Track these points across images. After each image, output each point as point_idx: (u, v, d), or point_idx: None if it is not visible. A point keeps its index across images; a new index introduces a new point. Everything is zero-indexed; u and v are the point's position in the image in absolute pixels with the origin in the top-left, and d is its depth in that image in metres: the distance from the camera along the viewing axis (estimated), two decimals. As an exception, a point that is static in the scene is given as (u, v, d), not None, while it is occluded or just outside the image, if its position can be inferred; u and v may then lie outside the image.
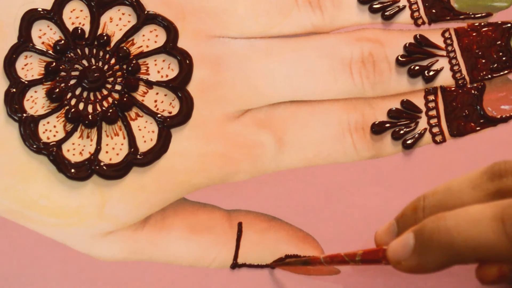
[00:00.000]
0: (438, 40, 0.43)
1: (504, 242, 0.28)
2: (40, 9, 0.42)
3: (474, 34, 0.43)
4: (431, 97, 0.42)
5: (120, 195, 0.39)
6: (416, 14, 0.43)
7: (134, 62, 0.42)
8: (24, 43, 0.42)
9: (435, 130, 0.41)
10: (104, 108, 0.41)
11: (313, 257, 0.36)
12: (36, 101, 0.41)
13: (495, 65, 0.42)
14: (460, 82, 0.42)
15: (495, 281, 0.29)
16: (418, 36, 0.42)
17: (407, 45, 0.42)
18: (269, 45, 0.42)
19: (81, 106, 0.41)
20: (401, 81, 0.42)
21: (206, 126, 0.41)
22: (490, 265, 0.29)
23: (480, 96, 0.42)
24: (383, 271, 0.38)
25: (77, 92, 0.41)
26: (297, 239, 0.39)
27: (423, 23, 0.43)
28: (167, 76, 0.42)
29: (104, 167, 0.40)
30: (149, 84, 0.42)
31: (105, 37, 0.42)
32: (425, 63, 0.42)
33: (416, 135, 0.41)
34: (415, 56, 0.42)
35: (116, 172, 0.40)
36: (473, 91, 0.42)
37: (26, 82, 0.41)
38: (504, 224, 0.28)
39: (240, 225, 0.39)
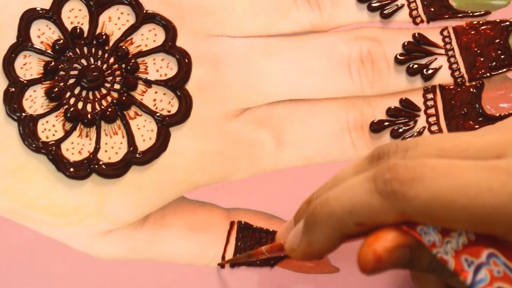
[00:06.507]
0: (436, 38, 0.43)
1: (377, 199, 0.28)
2: (39, 9, 0.43)
3: (472, 32, 0.43)
4: (430, 96, 0.42)
5: (119, 194, 0.39)
6: (414, 12, 0.43)
7: (133, 61, 0.42)
8: (23, 43, 0.42)
9: (434, 128, 0.41)
10: (103, 107, 0.41)
11: (256, 250, 0.36)
12: (35, 101, 0.41)
13: (494, 63, 0.42)
14: (458, 81, 0.42)
15: (374, 268, 0.28)
16: (416, 34, 0.42)
17: (405, 43, 0.42)
18: (268, 44, 0.42)
19: (80, 105, 0.41)
20: (400, 79, 0.42)
21: (205, 125, 0.41)
22: (366, 249, 0.28)
23: (478, 94, 0.42)
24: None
25: (76, 91, 0.41)
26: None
27: (422, 21, 0.43)
28: (166, 75, 0.42)
29: (103, 166, 0.40)
30: (148, 83, 0.42)
31: (104, 36, 0.42)
32: (423, 61, 0.42)
33: (415, 134, 0.41)
34: (414, 55, 0.42)
35: (115, 171, 0.40)
36: (471, 89, 0.42)
37: (25, 82, 0.41)
38: (375, 182, 0.28)
39: (240, 223, 0.39)
